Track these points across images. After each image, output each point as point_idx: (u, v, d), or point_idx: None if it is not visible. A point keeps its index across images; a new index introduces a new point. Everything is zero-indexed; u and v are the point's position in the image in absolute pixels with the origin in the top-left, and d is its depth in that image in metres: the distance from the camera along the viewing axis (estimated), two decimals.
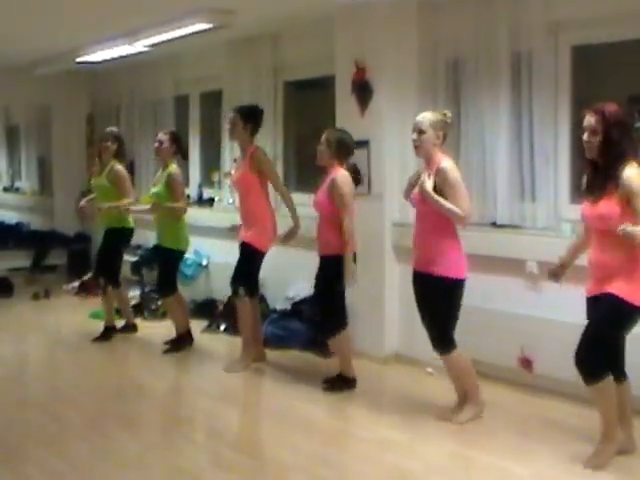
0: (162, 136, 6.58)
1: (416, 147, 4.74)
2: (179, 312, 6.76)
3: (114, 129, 7.31)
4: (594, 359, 3.90)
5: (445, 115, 4.76)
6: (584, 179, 4.12)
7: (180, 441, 4.70)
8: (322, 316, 5.62)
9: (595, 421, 4.05)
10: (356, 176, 5.62)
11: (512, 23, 5.48)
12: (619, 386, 4.06)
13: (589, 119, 3.86)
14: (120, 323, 7.35)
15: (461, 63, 5.89)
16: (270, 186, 6.12)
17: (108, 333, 7.13)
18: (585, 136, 3.91)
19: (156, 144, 6.59)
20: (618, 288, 3.84)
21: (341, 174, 5.35)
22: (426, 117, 4.72)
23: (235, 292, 6.06)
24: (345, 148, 5.45)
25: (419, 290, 4.86)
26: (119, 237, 7.10)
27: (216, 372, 6.19)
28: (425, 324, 4.86)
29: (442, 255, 4.67)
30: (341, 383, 5.53)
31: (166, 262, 6.72)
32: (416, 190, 4.74)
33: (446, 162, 4.65)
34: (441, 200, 4.55)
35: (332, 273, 5.33)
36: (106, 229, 7.05)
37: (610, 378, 3.93)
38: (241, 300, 6.04)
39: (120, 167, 6.99)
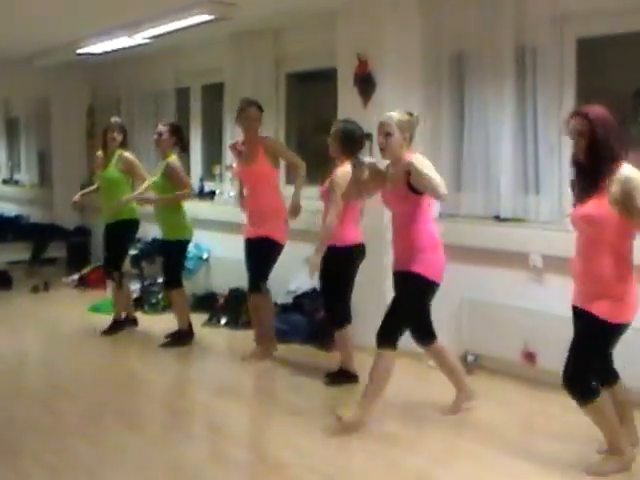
0: (161, 127, 6.54)
1: (382, 150, 4.59)
2: (183, 306, 6.74)
3: (118, 120, 7.25)
4: (583, 381, 3.83)
5: (412, 115, 4.61)
6: (572, 183, 4.01)
7: (180, 436, 4.66)
8: (326, 305, 5.59)
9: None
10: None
11: (516, 15, 5.45)
12: (614, 388, 4.02)
13: (573, 123, 3.78)
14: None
15: (465, 56, 5.87)
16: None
17: (117, 326, 7.10)
18: (572, 140, 3.83)
19: (155, 136, 6.55)
20: (601, 308, 3.74)
21: (341, 171, 5.23)
22: (392, 118, 4.53)
23: (258, 289, 6.03)
24: (352, 140, 5.31)
25: (395, 289, 4.73)
26: (128, 229, 7.06)
27: (217, 366, 6.17)
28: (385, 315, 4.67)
29: (420, 254, 4.52)
30: (342, 377, 5.51)
31: (170, 255, 6.68)
32: (389, 187, 4.63)
33: (415, 156, 4.46)
34: (424, 170, 4.30)
35: (335, 263, 5.29)
36: (113, 222, 6.98)
37: (603, 395, 3.86)
38: (265, 296, 6.05)
39: (128, 154, 6.97)
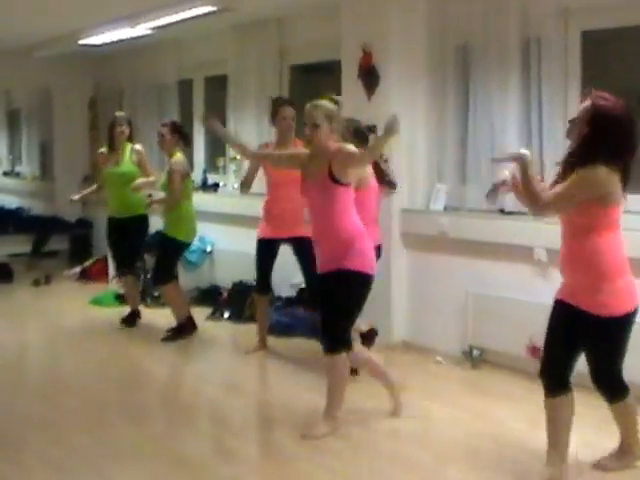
0: (162, 129, 6.51)
1: (309, 142, 4.40)
2: (177, 300, 6.69)
3: (123, 113, 7.23)
4: (613, 380, 3.75)
5: (337, 103, 4.44)
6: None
7: (183, 430, 4.63)
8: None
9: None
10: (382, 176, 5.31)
11: (522, 7, 5.41)
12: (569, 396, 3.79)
13: (581, 106, 3.59)
14: (123, 310, 7.31)
15: (470, 47, 5.83)
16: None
17: (135, 317, 7.12)
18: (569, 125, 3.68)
19: (158, 138, 6.54)
20: (602, 309, 3.54)
21: None
22: (320, 108, 4.33)
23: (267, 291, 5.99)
24: (363, 136, 5.20)
25: (324, 290, 4.45)
26: (144, 223, 7.05)
27: (220, 360, 6.15)
28: (322, 322, 4.46)
29: (350, 248, 4.30)
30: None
31: (164, 250, 6.66)
32: (309, 177, 4.42)
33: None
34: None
35: None
36: (128, 217, 6.90)
37: (631, 395, 3.79)
38: None
39: (139, 146, 6.96)
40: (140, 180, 6.67)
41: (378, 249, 5.27)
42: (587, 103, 3.57)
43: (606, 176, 3.46)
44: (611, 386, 3.78)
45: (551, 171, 5.33)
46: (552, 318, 3.78)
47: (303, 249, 5.83)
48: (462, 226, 5.77)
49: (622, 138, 3.50)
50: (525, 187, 3.64)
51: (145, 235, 7.24)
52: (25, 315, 7.84)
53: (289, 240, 5.93)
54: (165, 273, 6.59)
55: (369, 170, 5.06)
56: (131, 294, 7.21)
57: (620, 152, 3.49)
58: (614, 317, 3.58)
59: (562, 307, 3.71)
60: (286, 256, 6.19)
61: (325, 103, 4.39)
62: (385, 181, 5.37)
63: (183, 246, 6.70)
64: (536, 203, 3.63)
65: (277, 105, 5.96)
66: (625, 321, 3.62)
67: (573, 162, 3.58)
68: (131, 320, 7.08)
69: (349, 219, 4.37)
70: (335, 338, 4.40)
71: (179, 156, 6.47)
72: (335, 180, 4.29)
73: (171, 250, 6.62)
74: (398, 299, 6.15)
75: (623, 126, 3.50)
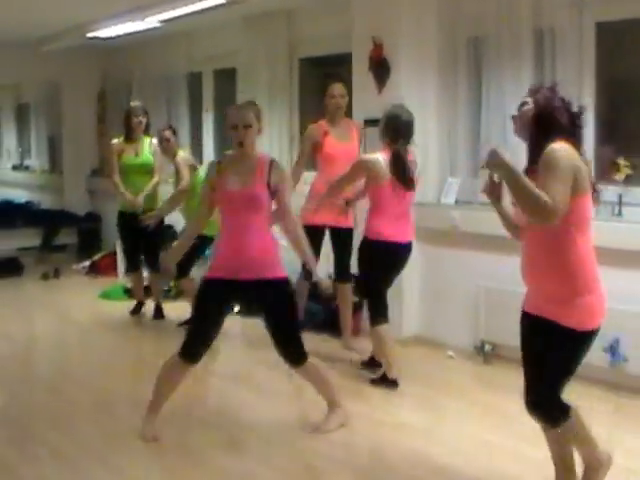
0: (165, 133, 6.55)
1: (241, 144, 4.12)
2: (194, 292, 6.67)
3: (139, 103, 7.19)
4: (551, 404, 3.30)
5: (255, 104, 4.36)
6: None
7: (192, 423, 4.63)
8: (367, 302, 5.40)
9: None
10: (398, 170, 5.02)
11: None
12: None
13: (524, 99, 3.39)
14: (131, 304, 7.32)
15: (482, 39, 5.80)
16: None
17: (161, 310, 7.14)
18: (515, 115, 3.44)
19: (164, 143, 6.53)
20: (568, 319, 3.13)
21: (372, 156, 5.06)
22: (250, 108, 4.18)
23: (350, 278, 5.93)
24: (398, 132, 4.98)
25: (256, 299, 4.42)
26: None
27: (228, 353, 6.11)
28: (288, 338, 4.34)
29: (274, 256, 4.22)
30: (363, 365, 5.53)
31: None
32: (235, 184, 4.16)
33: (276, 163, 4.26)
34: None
35: (364, 255, 5.16)
36: (144, 210, 6.82)
37: (575, 410, 3.33)
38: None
39: (155, 142, 6.93)
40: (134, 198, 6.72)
41: (397, 246, 5.16)
42: (528, 102, 3.35)
43: (571, 149, 3.09)
44: (551, 412, 3.32)
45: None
46: (524, 336, 3.40)
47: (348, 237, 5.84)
48: (473, 220, 5.72)
49: (567, 113, 3.23)
50: (519, 191, 3.02)
51: (162, 228, 7.21)
52: (34, 309, 7.84)
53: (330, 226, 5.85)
54: (185, 267, 6.54)
55: (377, 162, 5.00)
56: (155, 289, 7.18)
57: (570, 127, 3.19)
58: (588, 330, 3.18)
59: (529, 320, 3.35)
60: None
61: (252, 104, 4.32)
62: (402, 179, 5.04)
63: (206, 240, 6.65)
64: (544, 207, 2.91)
65: (330, 85, 5.83)
66: (594, 335, 3.22)
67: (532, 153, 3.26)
68: (158, 314, 7.10)
69: (268, 226, 4.26)
70: (297, 354, 4.32)
71: (181, 153, 6.53)
72: (271, 193, 4.17)
73: (194, 244, 6.57)
74: (410, 293, 6.11)
75: (564, 100, 3.26)
